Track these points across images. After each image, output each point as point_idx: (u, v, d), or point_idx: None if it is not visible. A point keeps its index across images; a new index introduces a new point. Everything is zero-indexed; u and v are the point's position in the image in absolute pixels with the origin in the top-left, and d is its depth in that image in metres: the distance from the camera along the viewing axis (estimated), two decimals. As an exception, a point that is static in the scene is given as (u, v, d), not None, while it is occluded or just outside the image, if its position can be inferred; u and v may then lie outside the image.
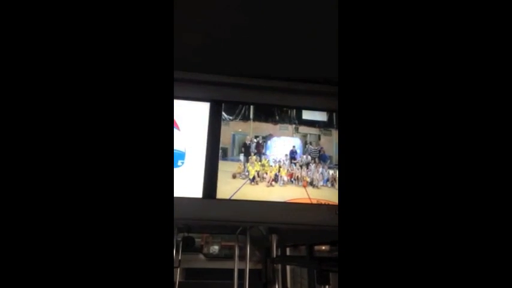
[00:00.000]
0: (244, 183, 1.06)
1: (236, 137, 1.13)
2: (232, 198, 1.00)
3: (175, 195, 0.96)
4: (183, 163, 1.02)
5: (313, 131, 1.23)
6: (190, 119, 1.07)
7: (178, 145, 1.02)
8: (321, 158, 1.21)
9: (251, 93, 1.11)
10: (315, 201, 1.11)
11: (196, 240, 3.34)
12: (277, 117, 1.19)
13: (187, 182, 1.00)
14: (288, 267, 2.64)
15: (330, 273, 1.17)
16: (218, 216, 0.99)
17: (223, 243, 3.52)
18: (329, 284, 1.16)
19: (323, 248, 2.53)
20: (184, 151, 1.04)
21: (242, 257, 2.53)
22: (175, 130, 1.03)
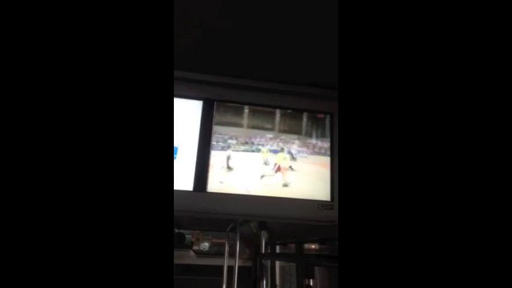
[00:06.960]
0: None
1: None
2: (222, 192, 1.03)
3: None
4: (175, 158, 1.05)
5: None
6: (183, 116, 1.10)
7: (171, 140, 1.05)
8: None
9: (244, 94, 1.13)
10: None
11: (187, 236, 3.36)
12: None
13: (179, 175, 1.03)
14: (277, 265, 2.68)
15: (316, 269, 1.22)
16: (208, 209, 1.02)
17: (213, 240, 3.55)
18: (313, 278, 1.20)
19: (312, 246, 2.58)
20: (176, 146, 1.07)
21: (232, 254, 2.55)
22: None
